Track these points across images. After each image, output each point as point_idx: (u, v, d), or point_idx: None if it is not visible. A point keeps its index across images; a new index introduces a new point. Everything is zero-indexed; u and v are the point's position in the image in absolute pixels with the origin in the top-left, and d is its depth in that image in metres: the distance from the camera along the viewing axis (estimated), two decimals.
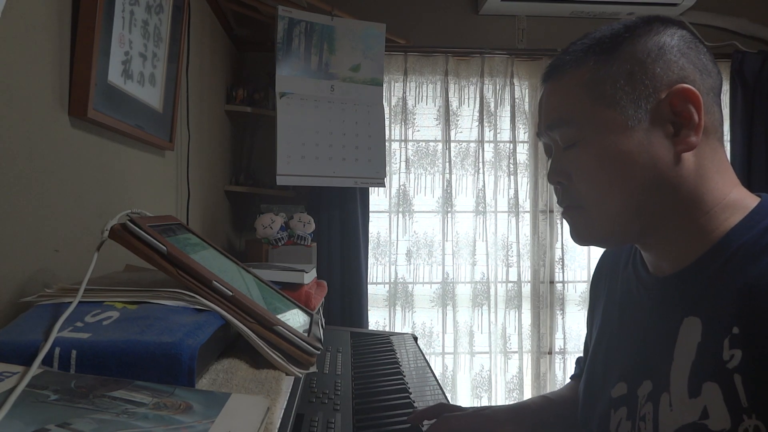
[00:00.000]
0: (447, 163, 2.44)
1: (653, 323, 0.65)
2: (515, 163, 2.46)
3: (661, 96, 0.59)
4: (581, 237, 0.67)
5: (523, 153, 2.50)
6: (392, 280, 2.43)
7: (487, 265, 2.44)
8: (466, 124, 2.48)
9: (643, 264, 0.70)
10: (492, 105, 2.47)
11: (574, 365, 0.97)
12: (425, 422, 0.83)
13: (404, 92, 2.43)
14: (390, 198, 2.44)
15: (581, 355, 0.93)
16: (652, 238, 0.64)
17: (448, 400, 0.94)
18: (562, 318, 2.47)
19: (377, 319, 2.43)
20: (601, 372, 0.73)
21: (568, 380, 0.94)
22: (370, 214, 2.38)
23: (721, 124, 0.63)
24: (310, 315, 0.91)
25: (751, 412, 0.50)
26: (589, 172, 0.63)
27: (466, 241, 2.46)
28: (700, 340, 0.57)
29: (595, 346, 0.78)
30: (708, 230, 0.60)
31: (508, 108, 2.47)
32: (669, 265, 0.64)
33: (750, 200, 0.61)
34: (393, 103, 2.44)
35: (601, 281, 0.82)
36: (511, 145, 2.47)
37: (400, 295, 2.42)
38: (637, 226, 0.63)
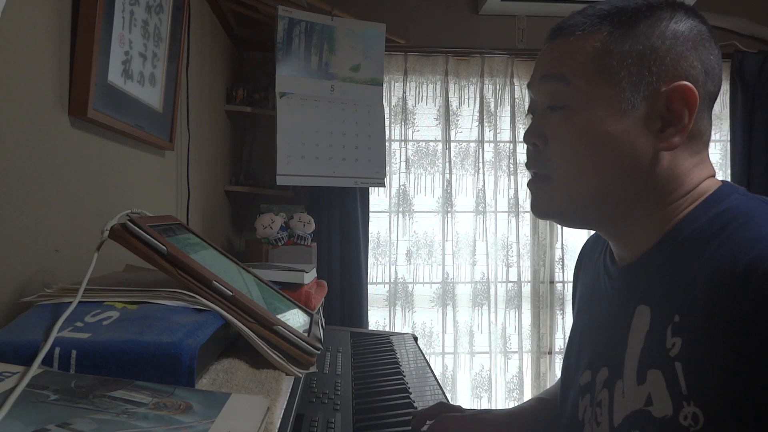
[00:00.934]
0: (447, 163, 2.44)
1: (613, 312, 0.66)
2: (515, 163, 2.46)
3: (661, 88, 0.58)
4: (540, 211, 0.67)
5: (523, 153, 2.50)
6: (392, 280, 2.43)
7: (487, 265, 2.44)
8: (466, 124, 2.48)
9: (610, 254, 0.70)
10: (492, 105, 2.47)
11: None
12: (427, 422, 0.83)
13: (404, 92, 2.43)
14: (390, 198, 2.44)
15: None
16: (614, 228, 0.64)
17: (448, 400, 0.94)
18: (562, 318, 2.47)
19: (377, 319, 2.43)
20: (574, 360, 0.74)
21: None
22: (370, 214, 2.38)
23: (708, 129, 0.62)
24: (310, 315, 0.91)
25: (689, 400, 0.51)
26: (568, 141, 0.61)
27: (466, 241, 2.46)
28: (648, 328, 0.57)
29: (570, 335, 0.79)
30: (665, 220, 0.60)
31: (508, 108, 2.47)
32: (629, 254, 0.64)
33: (713, 187, 0.60)
34: (393, 103, 2.44)
35: (580, 271, 0.83)
36: (511, 145, 2.47)
37: (400, 295, 2.42)
38: (600, 212, 0.62)
